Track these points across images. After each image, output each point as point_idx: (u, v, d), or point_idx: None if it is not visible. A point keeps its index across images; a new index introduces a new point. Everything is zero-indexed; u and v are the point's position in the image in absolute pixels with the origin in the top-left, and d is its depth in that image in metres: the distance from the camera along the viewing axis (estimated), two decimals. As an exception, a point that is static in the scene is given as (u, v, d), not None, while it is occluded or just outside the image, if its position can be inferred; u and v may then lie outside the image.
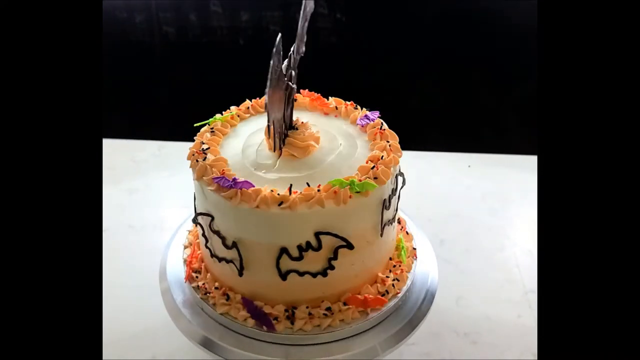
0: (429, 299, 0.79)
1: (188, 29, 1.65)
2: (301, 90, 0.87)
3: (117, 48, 1.62)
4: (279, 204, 0.66)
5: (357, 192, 0.68)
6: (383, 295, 0.76)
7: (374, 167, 0.71)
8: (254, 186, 0.69)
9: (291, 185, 0.68)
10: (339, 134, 0.79)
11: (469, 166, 1.31)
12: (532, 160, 1.21)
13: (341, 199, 0.67)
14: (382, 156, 0.73)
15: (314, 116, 0.84)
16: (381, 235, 0.74)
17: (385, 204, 0.72)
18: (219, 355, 0.73)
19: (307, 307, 0.73)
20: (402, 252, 0.81)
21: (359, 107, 0.84)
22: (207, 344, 0.73)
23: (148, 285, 0.86)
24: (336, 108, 0.85)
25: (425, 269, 0.83)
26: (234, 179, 0.69)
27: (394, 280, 0.78)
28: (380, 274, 0.78)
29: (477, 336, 0.91)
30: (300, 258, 0.69)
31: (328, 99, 0.87)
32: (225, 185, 0.69)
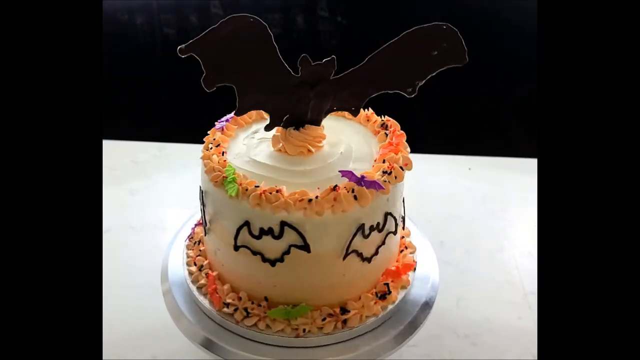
0: (429, 300, 0.79)
1: (189, 30, 1.66)
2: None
3: (119, 49, 1.62)
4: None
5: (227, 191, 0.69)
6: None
7: (311, 200, 0.67)
8: (218, 134, 0.77)
9: (224, 152, 0.74)
10: (345, 153, 0.75)
11: (470, 169, 1.32)
12: (531, 163, 1.21)
13: (218, 184, 0.70)
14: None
15: (360, 130, 0.82)
16: (235, 249, 0.72)
17: (251, 231, 0.69)
18: (220, 356, 0.73)
19: (206, 273, 0.79)
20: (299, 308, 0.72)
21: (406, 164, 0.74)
22: (207, 344, 0.73)
23: (148, 286, 0.87)
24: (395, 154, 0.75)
25: (425, 270, 0.83)
26: (221, 127, 0.78)
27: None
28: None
29: (477, 337, 0.91)
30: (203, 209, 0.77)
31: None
32: (218, 126, 0.79)
